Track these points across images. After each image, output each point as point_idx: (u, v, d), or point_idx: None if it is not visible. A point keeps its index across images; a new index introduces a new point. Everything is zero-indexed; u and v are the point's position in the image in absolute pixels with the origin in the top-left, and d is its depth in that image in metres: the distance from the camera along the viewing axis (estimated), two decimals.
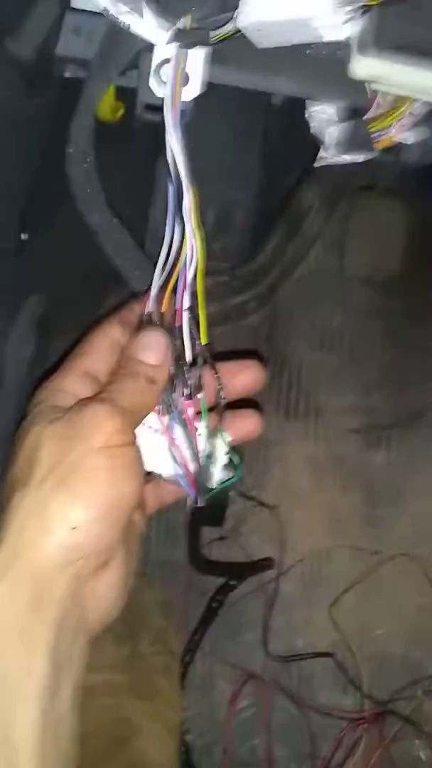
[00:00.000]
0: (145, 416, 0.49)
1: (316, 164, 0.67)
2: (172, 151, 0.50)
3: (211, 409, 0.53)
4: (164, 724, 0.91)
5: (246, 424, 0.56)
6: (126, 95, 0.74)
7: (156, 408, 0.50)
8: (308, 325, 1.42)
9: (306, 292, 1.43)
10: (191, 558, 1.22)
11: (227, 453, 0.53)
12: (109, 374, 0.50)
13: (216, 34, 0.49)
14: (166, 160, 0.52)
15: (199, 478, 0.52)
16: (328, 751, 1.17)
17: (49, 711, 0.40)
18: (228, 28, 0.49)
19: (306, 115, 0.64)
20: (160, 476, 0.52)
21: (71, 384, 0.49)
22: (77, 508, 0.42)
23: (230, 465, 0.53)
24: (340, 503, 1.34)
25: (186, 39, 0.49)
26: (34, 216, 0.80)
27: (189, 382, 0.51)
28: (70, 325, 0.65)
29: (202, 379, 0.52)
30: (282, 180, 1.37)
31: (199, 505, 0.52)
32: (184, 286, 0.51)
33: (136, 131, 1.07)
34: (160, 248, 0.52)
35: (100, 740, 0.82)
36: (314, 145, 1.27)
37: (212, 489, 0.52)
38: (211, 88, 0.57)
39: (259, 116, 1.13)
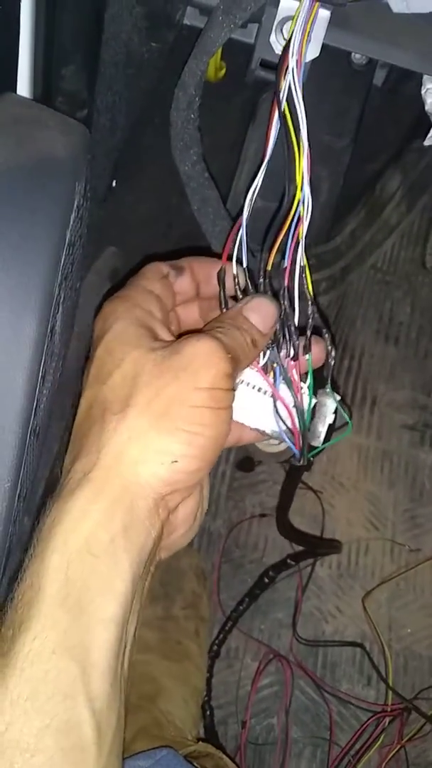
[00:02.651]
0: (240, 372, 0.48)
1: (426, 142, 0.65)
2: (295, 107, 0.49)
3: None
4: (189, 687, 0.92)
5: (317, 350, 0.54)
6: (231, 55, 0.73)
7: (258, 366, 0.50)
8: (375, 314, 1.41)
9: (378, 281, 1.42)
10: (279, 517, 1.21)
11: (334, 412, 0.52)
12: (166, 308, 0.51)
13: None
14: (277, 121, 0.51)
15: (304, 436, 0.51)
16: (344, 739, 1.17)
17: (122, 633, 0.40)
18: None
19: (423, 92, 0.62)
20: (264, 433, 0.51)
21: (144, 301, 0.49)
22: (180, 442, 0.42)
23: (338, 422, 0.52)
24: (383, 497, 1.33)
25: None
26: (124, 164, 0.80)
27: (296, 343, 0.50)
28: None
29: (310, 340, 0.51)
30: (369, 164, 1.35)
31: (301, 463, 0.51)
32: (295, 246, 0.50)
33: (232, 95, 1.07)
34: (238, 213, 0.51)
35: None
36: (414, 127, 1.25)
37: (317, 447, 0.52)
38: (317, 62, 0.56)
39: (359, 97, 1.11)
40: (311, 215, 0.50)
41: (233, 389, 0.45)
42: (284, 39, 0.56)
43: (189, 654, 0.96)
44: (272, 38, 0.56)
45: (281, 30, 0.56)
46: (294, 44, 0.51)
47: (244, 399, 0.50)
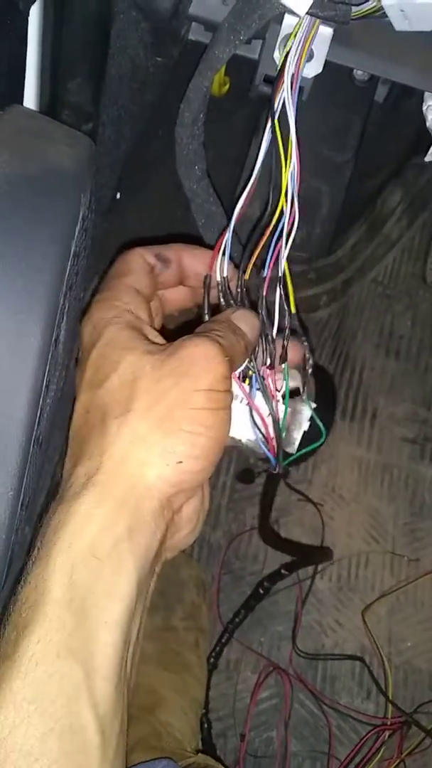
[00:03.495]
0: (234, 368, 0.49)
1: (427, 158, 0.66)
2: (287, 120, 0.50)
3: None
4: (188, 699, 0.91)
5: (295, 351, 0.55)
6: (235, 70, 0.74)
7: (235, 375, 0.50)
8: (376, 328, 1.41)
9: (378, 295, 1.42)
10: (261, 527, 1.22)
11: (309, 420, 0.53)
12: (149, 300, 0.51)
13: (357, 10, 0.49)
14: (269, 134, 0.51)
15: (280, 445, 0.51)
16: (343, 753, 1.16)
17: (126, 636, 0.40)
18: (371, 4, 0.48)
19: (424, 108, 0.63)
20: (240, 442, 0.52)
21: (132, 303, 0.49)
22: (184, 444, 0.43)
23: (313, 430, 0.53)
24: (383, 510, 1.33)
25: (327, 10, 0.48)
26: (128, 176, 0.81)
27: (272, 352, 0.51)
28: None
29: (287, 349, 0.51)
30: (370, 179, 1.36)
31: (277, 471, 0.52)
32: (276, 257, 0.50)
33: (236, 109, 1.08)
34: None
35: None
36: (416, 143, 1.25)
37: (292, 455, 0.52)
38: (319, 78, 0.57)
39: (361, 113, 1.12)
40: (313, 229, 0.50)
41: (230, 391, 0.46)
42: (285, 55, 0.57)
43: (188, 665, 0.96)
44: (276, 54, 0.57)
45: (284, 46, 0.57)
46: (290, 61, 0.51)
47: None
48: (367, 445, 1.36)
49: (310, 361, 0.53)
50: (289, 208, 0.51)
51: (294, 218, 0.51)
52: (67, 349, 0.53)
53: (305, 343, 0.53)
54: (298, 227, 0.51)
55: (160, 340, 0.49)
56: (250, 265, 0.52)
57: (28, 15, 0.48)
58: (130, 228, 1.00)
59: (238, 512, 1.29)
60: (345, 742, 1.18)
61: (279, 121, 0.51)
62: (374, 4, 0.48)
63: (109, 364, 0.45)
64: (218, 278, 0.52)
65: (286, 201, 0.51)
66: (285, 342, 0.51)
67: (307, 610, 1.25)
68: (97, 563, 0.40)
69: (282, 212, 0.51)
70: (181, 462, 0.42)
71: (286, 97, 0.52)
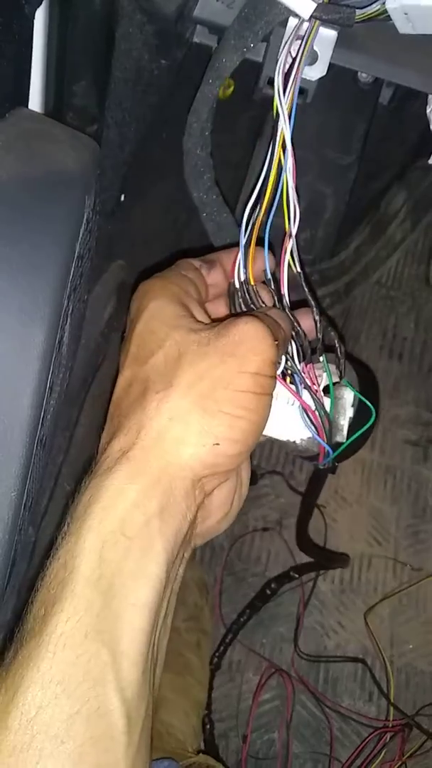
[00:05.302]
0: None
1: (431, 161, 0.66)
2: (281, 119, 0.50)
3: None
4: (189, 700, 0.92)
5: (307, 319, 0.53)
6: (239, 73, 0.75)
7: (280, 377, 0.49)
8: (379, 330, 1.41)
9: (382, 297, 1.42)
10: (299, 529, 1.21)
11: (353, 405, 0.52)
12: (201, 293, 0.50)
13: (361, 13, 0.49)
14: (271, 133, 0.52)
15: (331, 437, 0.50)
16: (345, 755, 1.16)
17: (155, 620, 0.39)
18: (375, 7, 0.48)
19: (428, 111, 0.63)
20: (295, 443, 0.51)
21: (181, 281, 0.48)
22: (223, 425, 0.42)
23: (361, 413, 0.52)
24: (386, 512, 1.33)
25: (332, 13, 0.48)
26: (132, 179, 0.81)
27: (306, 347, 0.50)
28: None
29: (323, 342, 0.50)
30: (374, 181, 1.36)
31: (325, 466, 0.51)
32: (283, 252, 0.50)
33: (241, 112, 1.08)
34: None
35: None
36: (418, 147, 1.25)
37: (342, 443, 0.51)
38: (324, 81, 0.57)
39: (365, 115, 1.12)
40: (316, 231, 0.50)
41: (276, 377, 0.45)
42: (291, 58, 0.57)
43: (190, 666, 0.96)
44: (280, 57, 0.57)
45: (289, 48, 0.57)
46: (280, 62, 0.51)
47: (275, 414, 0.49)
48: (370, 447, 1.36)
49: (342, 348, 0.51)
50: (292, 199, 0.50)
51: (296, 208, 0.50)
52: (71, 350, 0.54)
53: (332, 333, 0.52)
54: (301, 229, 0.51)
55: (205, 319, 0.48)
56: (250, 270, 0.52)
57: (33, 18, 0.48)
58: (134, 230, 1.01)
59: (241, 514, 1.27)
60: (346, 744, 1.18)
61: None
62: (378, 7, 0.48)
63: (154, 340, 0.45)
64: (237, 284, 0.52)
65: (288, 204, 0.50)
66: (318, 334, 0.50)
67: (309, 612, 1.25)
68: (126, 542, 0.39)
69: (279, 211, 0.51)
70: (218, 444, 0.41)
71: (278, 98, 0.51)
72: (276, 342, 0.44)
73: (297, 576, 1.23)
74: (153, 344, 0.44)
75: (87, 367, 0.77)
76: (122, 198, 0.79)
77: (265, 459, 1.32)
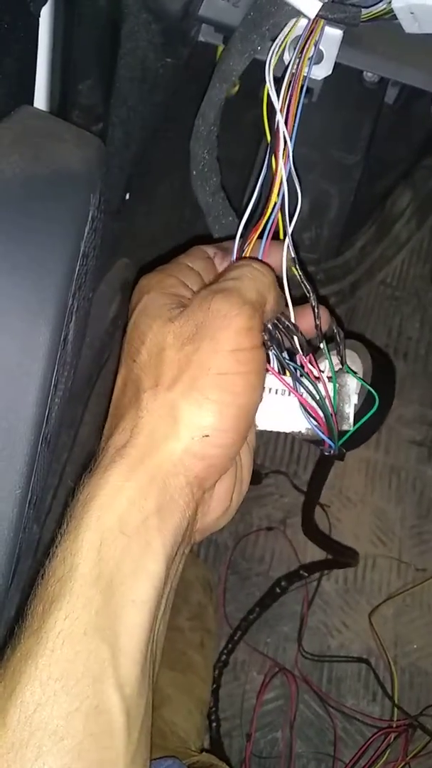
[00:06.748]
0: (269, 314, 0.45)
1: None
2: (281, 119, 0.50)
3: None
4: (193, 699, 0.92)
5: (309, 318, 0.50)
6: (245, 71, 0.75)
7: (272, 369, 0.48)
8: (384, 329, 1.41)
9: (387, 296, 1.42)
10: (304, 514, 1.20)
11: (357, 391, 0.50)
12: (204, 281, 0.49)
13: (367, 12, 0.49)
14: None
15: (335, 424, 0.49)
16: (348, 755, 1.16)
17: (154, 617, 0.39)
18: (381, 6, 0.48)
19: None
20: (299, 434, 0.50)
21: (181, 272, 0.47)
22: (210, 415, 0.41)
23: (366, 399, 0.50)
24: (390, 512, 1.33)
25: (337, 13, 0.48)
26: (137, 178, 0.81)
27: (301, 338, 0.48)
28: None
29: (321, 329, 0.49)
30: (379, 181, 1.36)
31: (332, 453, 0.50)
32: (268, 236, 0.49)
33: (246, 110, 1.08)
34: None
35: None
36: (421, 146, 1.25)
37: (349, 431, 0.50)
38: (329, 80, 0.57)
39: (370, 114, 1.12)
40: (321, 231, 0.50)
41: (260, 346, 0.43)
42: (296, 57, 0.57)
43: (194, 665, 0.96)
44: (286, 56, 0.57)
45: (294, 48, 0.57)
46: (269, 58, 0.51)
47: (268, 405, 0.49)
48: (375, 446, 1.36)
49: (342, 334, 0.50)
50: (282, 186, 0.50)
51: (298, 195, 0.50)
52: (75, 348, 0.54)
53: (336, 323, 0.50)
54: (306, 228, 0.51)
55: None
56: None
57: (38, 16, 0.48)
58: (139, 228, 1.01)
59: (244, 513, 1.29)
60: (350, 744, 1.18)
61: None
62: (384, 6, 0.48)
63: (138, 336, 0.44)
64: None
65: (278, 193, 0.50)
66: (317, 321, 0.49)
67: (313, 612, 1.25)
68: (125, 539, 0.39)
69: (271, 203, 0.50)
70: (207, 435, 0.41)
71: (272, 96, 0.51)
72: (248, 304, 0.42)
73: (306, 574, 1.23)
74: (138, 342, 0.44)
75: (92, 365, 0.77)
76: (127, 196, 0.79)
77: (269, 458, 1.32)
